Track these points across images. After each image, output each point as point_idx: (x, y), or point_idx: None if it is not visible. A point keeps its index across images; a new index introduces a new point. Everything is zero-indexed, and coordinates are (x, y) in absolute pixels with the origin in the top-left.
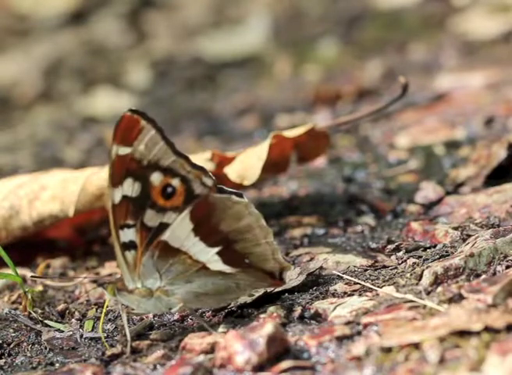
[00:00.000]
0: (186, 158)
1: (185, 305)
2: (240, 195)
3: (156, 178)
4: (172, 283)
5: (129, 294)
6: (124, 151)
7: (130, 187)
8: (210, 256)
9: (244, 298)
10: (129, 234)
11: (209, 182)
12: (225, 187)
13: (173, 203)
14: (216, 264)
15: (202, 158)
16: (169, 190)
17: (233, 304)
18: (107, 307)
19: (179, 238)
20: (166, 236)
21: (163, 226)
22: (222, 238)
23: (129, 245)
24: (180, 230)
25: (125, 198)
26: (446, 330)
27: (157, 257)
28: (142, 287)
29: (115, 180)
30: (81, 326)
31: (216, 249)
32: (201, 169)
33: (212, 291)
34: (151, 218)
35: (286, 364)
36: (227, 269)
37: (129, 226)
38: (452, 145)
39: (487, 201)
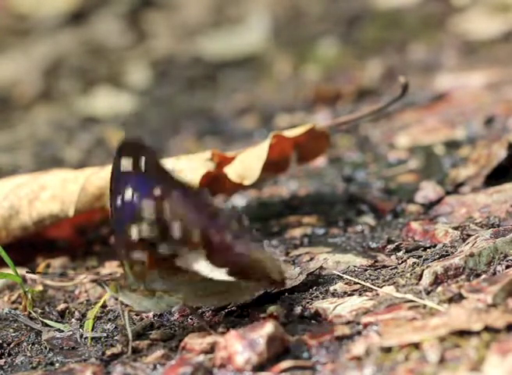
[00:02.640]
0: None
1: (186, 304)
2: (259, 240)
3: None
4: (176, 288)
5: (132, 292)
6: None
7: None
8: (217, 274)
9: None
10: (139, 254)
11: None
12: (243, 232)
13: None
14: (221, 276)
15: (202, 158)
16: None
17: (233, 304)
18: (101, 306)
19: (191, 264)
20: (179, 262)
21: (175, 254)
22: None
23: (137, 261)
24: (193, 258)
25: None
26: (446, 330)
27: (165, 271)
28: (145, 287)
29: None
30: (81, 326)
31: (225, 269)
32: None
33: (214, 292)
34: (164, 248)
35: (286, 364)
36: (231, 278)
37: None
38: (452, 145)
39: (487, 200)
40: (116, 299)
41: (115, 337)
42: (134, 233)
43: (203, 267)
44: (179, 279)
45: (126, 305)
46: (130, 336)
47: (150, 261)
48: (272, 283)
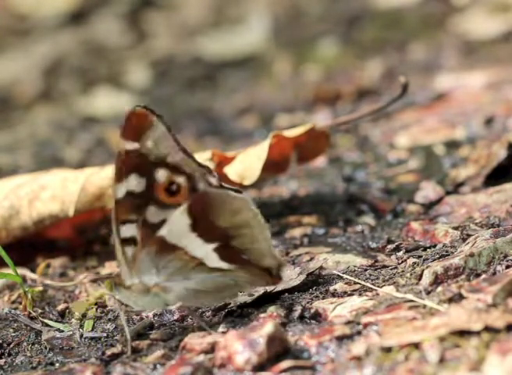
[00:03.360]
0: (192, 156)
1: (182, 304)
2: (239, 191)
3: (162, 174)
4: (170, 280)
5: (126, 289)
6: (132, 146)
7: (135, 183)
8: (207, 252)
9: (244, 298)
10: (130, 230)
11: (214, 181)
12: (225, 185)
13: (177, 200)
14: (213, 260)
15: (202, 157)
16: (174, 187)
17: (233, 304)
18: (101, 306)
19: (177, 234)
20: (164, 231)
21: (163, 223)
22: (219, 234)
23: (129, 240)
24: (178, 225)
25: (129, 193)
26: (446, 330)
27: (154, 253)
28: (139, 283)
29: (120, 175)
30: (81, 326)
31: (213, 245)
32: (206, 167)
33: (210, 288)
34: (154, 214)
35: (286, 364)
36: (224, 265)
37: (131, 222)
38: (452, 145)
39: (487, 200)
40: (115, 298)
41: (115, 337)
42: (122, 191)
43: (188, 239)
44: (172, 267)
45: (126, 305)
46: (128, 336)
47: (141, 237)
48: (269, 275)
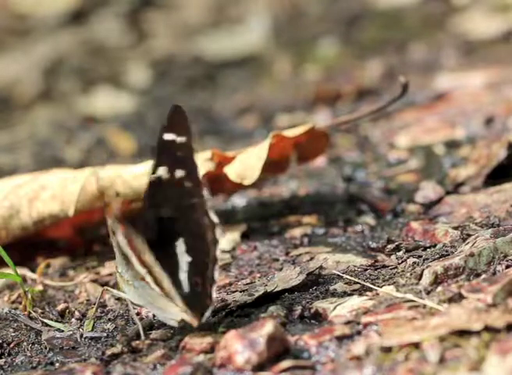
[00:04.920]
0: None
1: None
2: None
3: None
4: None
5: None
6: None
7: None
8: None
9: (244, 298)
10: None
11: None
12: None
13: None
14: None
15: (202, 157)
16: None
17: (233, 304)
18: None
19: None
20: None
21: None
22: None
23: None
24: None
25: None
26: (446, 330)
27: None
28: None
29: None
30: (81, 326)
31: None
32: None
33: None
34: None
35: (286, 364)
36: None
37: None
38: (452, 145)
39: (487, 200)
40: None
41: (116, 337)
42: None
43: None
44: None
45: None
46: (139, 322)
47: None
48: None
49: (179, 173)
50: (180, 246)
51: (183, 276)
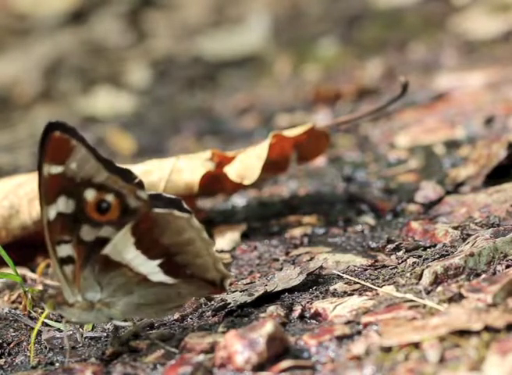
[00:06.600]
0: (121, 174)
1: (127, 317)
2: (182, 208)
3: (90, 194)
4: (113, 295)
5: (70, 307)
6: (56, 169)
7: (64, 204)
8: (151, 268)
9: (244, 298)
10: (66, 249)
11: (143, 195)
12: (164, 194)
13: (109, 218)
14: (157, 275)
15: (202, 157)
16: (104, 205)
17: (233, 304)
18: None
19: (121, 252)
20: (107, 250)
21: (101, 240)
22: (164, 251)
23: (67, 260)
24: (121, 244)
25: (60, 214)
26: (446, 330)
27: (98, 271)
28: (82, 300)
29: (49, 198)
30: (81, 326)
31: (157, 262)
32: (136, 183)
33: (153, 300)
34: (87, 233)
35: (285, 364)
36: (168, 279)
37: (66, 242)
38: (452, 145)
39: (487, 200)
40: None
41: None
42: (52, 213)
43: (133, 256)
44: (115, 283)
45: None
46: (69, 347)
47: (78, 256)
48: (212, 286)
49: None
50: None
51: None
